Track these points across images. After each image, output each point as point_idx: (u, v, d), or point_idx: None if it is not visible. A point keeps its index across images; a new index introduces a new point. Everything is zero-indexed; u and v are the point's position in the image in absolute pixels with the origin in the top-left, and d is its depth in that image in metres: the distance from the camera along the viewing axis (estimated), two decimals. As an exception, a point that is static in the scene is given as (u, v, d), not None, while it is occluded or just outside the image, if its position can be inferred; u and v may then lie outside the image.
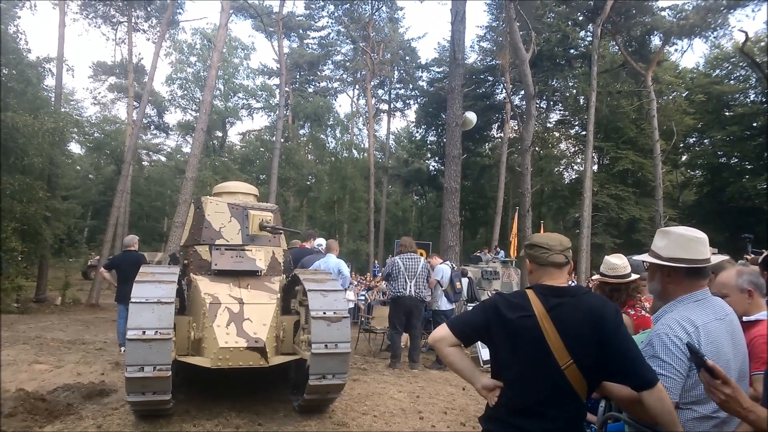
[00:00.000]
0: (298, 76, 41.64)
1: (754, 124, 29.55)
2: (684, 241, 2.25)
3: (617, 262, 3.55)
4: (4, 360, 7.55)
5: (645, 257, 2.37)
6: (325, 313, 5.06)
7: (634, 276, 3.54)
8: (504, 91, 32.67)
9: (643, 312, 3.33)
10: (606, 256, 3.65)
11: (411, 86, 42.10)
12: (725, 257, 2.58)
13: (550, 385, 2.06)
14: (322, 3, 38.15)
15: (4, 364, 7.33)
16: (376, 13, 37.66)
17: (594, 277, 3.89)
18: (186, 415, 5.35)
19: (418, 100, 42.07)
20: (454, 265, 10.70)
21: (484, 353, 8.78)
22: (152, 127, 42.87)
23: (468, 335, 2.29)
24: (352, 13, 36.91)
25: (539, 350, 2.07)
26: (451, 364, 2.29)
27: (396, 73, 41.10)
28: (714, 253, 4.06)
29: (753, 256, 4.84)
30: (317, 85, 42.73)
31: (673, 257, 2.23)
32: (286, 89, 33.67)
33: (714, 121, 32.71)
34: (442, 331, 2.29)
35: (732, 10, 25.06)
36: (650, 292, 2.41)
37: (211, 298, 5.36)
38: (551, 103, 36.75)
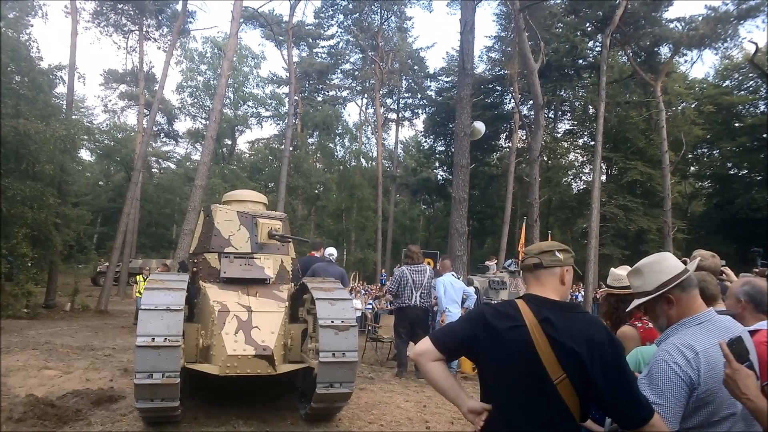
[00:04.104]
0: (307, 85, 41.89)
1: (764, 135, 29.41)
2: (658, 267, 2.20)
3: (622, 274, 3.54)
4: (13, 365, 7.62)
5: (635, 303, 2.28)
6: (332, 321, 5.07)
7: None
8: (512, 100, 32.71)
9: (650, 324, 3.31)
10: (612, 269, 3.65)
11: (419, 95, 42.25)
12: (697, 258, 2.48)
13: (542, 404, 1.90)
14: (331, 12, 38.56)
15: (14, 369, 7.39)
16: (385, 23, 37.91)
17: (601, 290, 3.88)
18: (194, 422, 5.38)
19: (427, 109, 42.20)
20: (459, 276, 10.68)
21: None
22: (162, 134, 43.30)
23: (451, 348, 2.07)
24: (362, 23, 37.15)
25: (530, 363, 1.91)
26: (433, 382, 2.05)
27: (404, 82, 41.27)
28: (723, 266, 4.05)
29: (762, 269, 4.82)
30: (326, 93, 42.99)
31: (660, 285, 2.17)
32: (295, 98, 33.86)
33: (723, 132, 32.67)
34: (423, 344, 2.08)
35: (742, 21, 25.01)
36: (659, 330, 2.31)
37: (219, 305, 5.38)
38: (560, 113, 36.83)
